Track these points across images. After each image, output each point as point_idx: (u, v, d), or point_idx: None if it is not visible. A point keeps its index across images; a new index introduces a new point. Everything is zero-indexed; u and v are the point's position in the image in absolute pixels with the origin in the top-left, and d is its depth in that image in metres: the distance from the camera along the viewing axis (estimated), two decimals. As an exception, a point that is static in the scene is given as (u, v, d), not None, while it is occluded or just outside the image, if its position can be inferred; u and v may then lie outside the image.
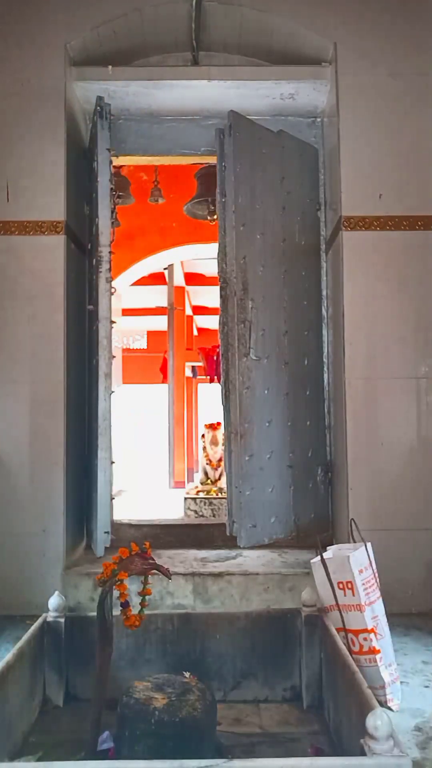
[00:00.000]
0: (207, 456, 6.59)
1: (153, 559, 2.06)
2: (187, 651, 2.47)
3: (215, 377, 8.50)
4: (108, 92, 3.68)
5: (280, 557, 3.57)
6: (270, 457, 3.55)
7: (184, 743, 1.80)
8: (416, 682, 2.45)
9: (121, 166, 4.53)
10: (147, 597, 2.12)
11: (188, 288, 11.26)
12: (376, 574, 2.38)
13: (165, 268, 9.55)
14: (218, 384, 3.94)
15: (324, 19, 3.62)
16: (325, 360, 3.90)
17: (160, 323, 11.48)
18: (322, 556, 2.41)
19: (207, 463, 6.57)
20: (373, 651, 2.22)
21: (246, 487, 3.42)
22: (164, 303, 10.46)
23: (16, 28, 3.56)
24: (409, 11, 3.58)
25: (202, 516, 5.77)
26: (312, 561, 2.49)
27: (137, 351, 15.07)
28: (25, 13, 3.57)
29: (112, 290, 3.59)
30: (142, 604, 2.11)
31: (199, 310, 13.36)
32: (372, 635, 2.23)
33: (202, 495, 6.00)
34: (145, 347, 15.17)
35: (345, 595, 2.31)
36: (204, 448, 6.65)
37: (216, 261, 3.77)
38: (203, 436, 6.72)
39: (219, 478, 6.29)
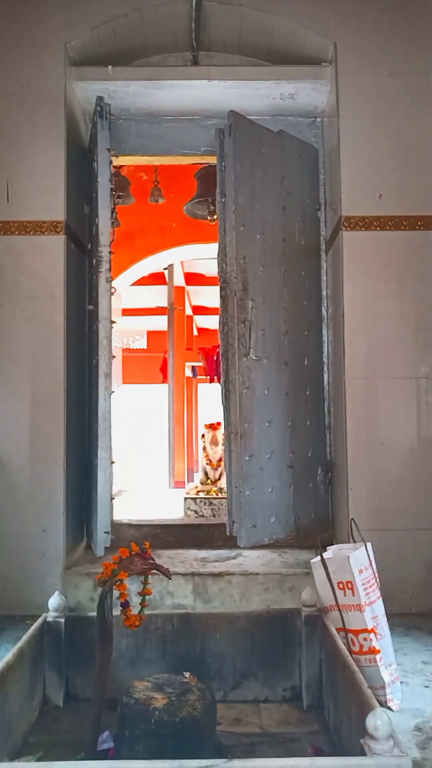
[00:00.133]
0: (207, 456, 6.59)
1: (153, 559, 2.06)
2: (187, 651, 2.47)
3: (215, 377, 8.50)
4: (108, 92, 3.68)
5: (280, 557, 3.57)
6: (270, 457, 3.55)
7: (184, 743, 1.80)
8: (416, 682, 2.45)
9: (121, 166, 4.53)
10: (147, 597, 2.12)
11: (188, 288, 11.25)
12: (376, 574, 2.38)
13: (165, 268, 9.55)
14: (218, 384, 3.93)
15: (324, 19, 3.62)
16: (325, 360, 3.90)
17: (160, 323, 11.48)
18: (322, 556, 2.41)
19: (207, 463, 6.56)
20: (373, 651, 2.22)
21: (246, 487, 3.42)
22: (164, 303, 10.46)
23: (15, 27, 3.56)
24: (409, 11, 3.58)
25: (202, 516, 5.77)
26: (312, 561, 2.49)
27: (137, 351, 15.07)
28: (25, 13, 3.57)
29: (112, 290, 3.59)
30: (142, 604, 2.11)
31: (199, 310, 13.36)
32: (372, 635, 2.23)
33: (202, 495, 5.99)
34: (145, 347, 15.17)
35: (345, 595, 2.31)
36: (204, 448, 6.64)
37: (216, 261, 3.77)
38: (203, 436, 6.72)
39: (219, 478, 6.29)
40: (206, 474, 6.51)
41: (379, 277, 3.47)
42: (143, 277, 8.19)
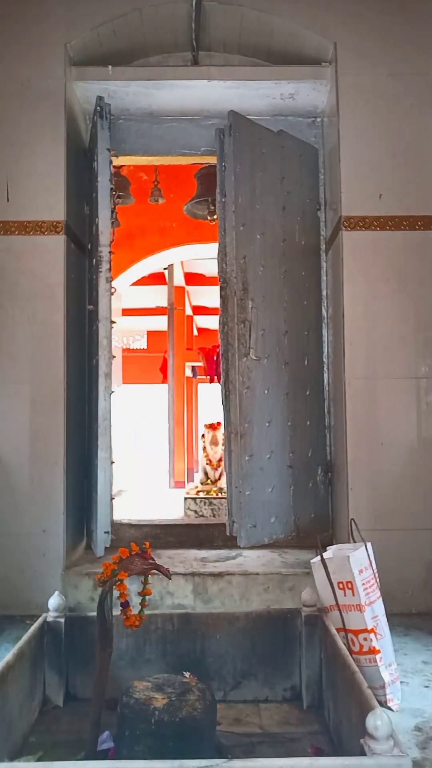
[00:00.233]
0: (207, 456, 6.58)
1: (153, 559, 2.06)
2: (187, 651, 2.47)
3: (215, 377, 8.50)
4: (108, 92, 3.68)
5: (280, 557, 3.57)
6: (270, 457, 3.55)
7: (184, 743, 1.80)
8: (416, 682, 2.45)
9: (121, 166, 4.53)
10: (147, 597, 2.12)
11: (188, 288, 11.25)
12: (376, 574, 2.38)
13: (165, 268, 9.55)
14: (218, 384, 3.93)
15: (324, 19, 3.62)
16: (325, 360, 3.90)
17: (160, 323, 11.48)
18: (322, 556, 2.41)
19: (207, 463, 6.55)
20: (373, 651, 2.22)
21: (246, 487, 3.42)
22: (164, 303, 10.46)
23: (15, 27, 3.56)
24: (409, 11, 3.59)
25: (202, 516, 5.77)
26: (312, 561, 2.49)
27: (137, 351, 15.07)
28: (25, 13, 3.57)
29: (112, 290, 3.59)
30: (142, 604, 2.11)
31: (199, 310, 13.36)
32: (372, 635, 2.23)
33: (202, 495, 5.98)
34: (145, 347, 15.17)
35: (345, 595, 2.31)
36: (204, 448, 6.64)
37: (216, 261, 3.77)
38: (203, 436, 6.71)
39: (219, 478, 6.28)
40: (206, 474, 6.50)
41: (379, 277, 3.47)
42: (143, 277, 8.19)
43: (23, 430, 3.43)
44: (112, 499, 3.60)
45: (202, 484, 6.43)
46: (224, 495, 4.47)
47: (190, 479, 10.24)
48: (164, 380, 10.82)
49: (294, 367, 3.73)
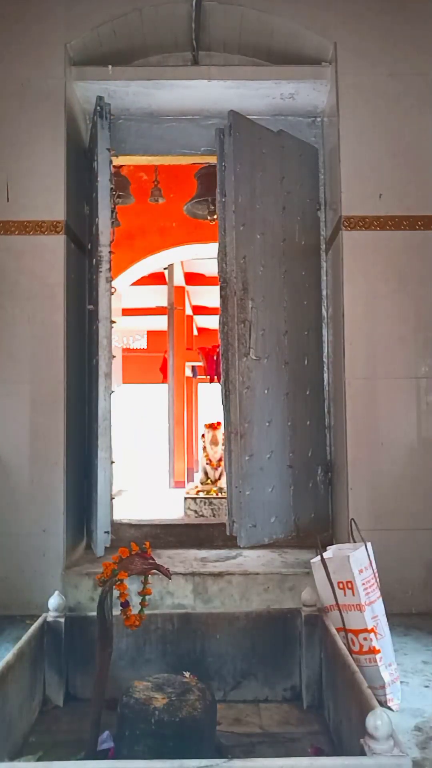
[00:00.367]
0: (207, 456, 6.58)
1: (153, 559, 2.06)
2: (187, 651, 2.47)
3: (215, 377, 8.50)
4: (108, 92, 3.68)
5: (280, 557, 3.57)
6: (270, 457, 3.55)
7: (184, 743, 1.80)
8: (416, 682, 2.45)
9: (121, 166, 4.53)
10: (147, 597, 2.12)
11: (188, 288, 11.25)
12: (376, 574, 2.38)
13: (165, 268, 9.55)
14: (218, 384, 3.93)
15: (324, 19, 3.61)
16: (325, 360, 3.90)
17: (160, 323, 11.48)
18: (322, 556, 2.41)
19: (207, 463, 6.56)
20: (373, 651, 2.22)
21: (246, 487, 3.42)
22: (164, 303, 10.46)
23: (15, 27, 3.56)
24: (409, 11, 3.58)
25: (202, 516, 5.77)
26: (312, 561, 2.49)
27: (137, 351, 15.07)
28: (25, 13, 3.57)
29: (112, 290, 3.59)
30: (142, 604, 2.11)
31: (199, 310, 13.36)
32: (372, 635, 2.23)
33: (202, 495, 5.99)
34: (145, 347, 15.17)
35: (345, 595, 2.31)
36: (204, 448, 6.64)
37: (216, 261, 3.77)
38: (203, 436, 6.72)
39: (219, 478, 6.28)
40: (206, 474, 6.51)
41: (379, 277, 3.47)
42: (143, 277, 8.19)
43: (23, 430, 3.43)
44: (112, 499, 3.60)
45: (202, 484, 6.43)
46: (224, 495, 4.47)
47: (190, 479, 10.25)
48: (164, 380, 10.82)
49: (294, 367, 3.73)
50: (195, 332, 14.45)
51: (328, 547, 2.53)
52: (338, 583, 2.34)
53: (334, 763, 1.56)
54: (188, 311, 12.08)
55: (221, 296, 3.65)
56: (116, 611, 2.04)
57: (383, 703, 2.15)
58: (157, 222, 7.12)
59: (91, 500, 3.57)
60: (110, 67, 3.65)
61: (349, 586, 2.29)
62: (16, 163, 3.51)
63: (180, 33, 3.83)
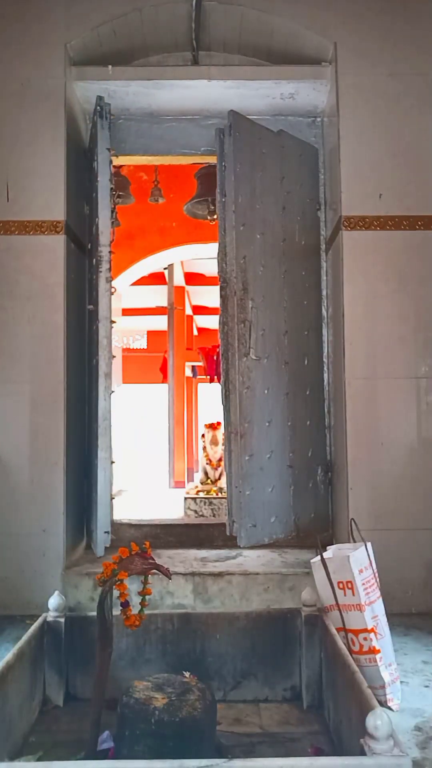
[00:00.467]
0: (207, 456, 6.58)
1: (153, 559, 2.06)
2: (187, 651, 2.47)
3: (215, 377, 8.50)
4: (108, 92, 3.68)
5: (280, 557, 3.57)
6: (270, 457, 3.55)
7: (184, 743, 1.80)
8: (416, 682, 2.45)
9: (121, 166, 4.53)
10: (147, 597, 2.12)
11: (188, 288, 11.25)
12: (376, 574, 2.38)
13: (165, 268, 9.55)
14: (218, 384, 3.93)
15: (324, 19, 3.62)
16: (325, 360, 3.90)
17: (160, 323, 11.48)
18: (322, 556, 2.41)
19: (207, 463, 6.56)
20: (373, 651, 2.22)
21: (246, 487, 3.42)
22: (164, 303, 10.46)
23: (15, 27, 3.56)
24: (409, 11, 3.58)
25: (202, 516, 5.77)
26: (312, 561, 2.49)
27: (137, 351, 15.07)
28: (25, 13, 3.57)
29: (112, 290, 3.59)
30: (142, 604, 2.11)
31: (199, 310, 13.36)
32: (372, 635, 2.23)
33: (202, 495, 5.99)
34: (145, 347, 15.17)
35: (345, 595, 2.31)
36: (204, 448, 6.64)
37: (216, 261, 3.77)
38: (203, 436, 6.71)
39: (219, 478, 6.28)
40: (206, 474, 6.51)
41: (379, 277, 3.47)
42: (143, 277, 8.19)
43: (23, 430, 3.43)
44: (112, 499, 3.60)
45: (202, 484, 6.43)
46: (224, 495, 4.47)
47: (190, 479, 10.24)
48: (164, 380, 10.82)
49: (294, 367, 3.73)
50: (195, 332, 14.44)
51: (328, 547, 2.53)
52: (338, 583, 2.34)
53: (334, 763, 1.56)
54: (188, 311, 12.07)
55: (221, 296, 3.65)
56: (116, 611, 2.04)
57: (383, 703, 2.15)
58: (157, 222, 7.11)
59: (91, 500, 3.57)
60: (110, 67, 3.65)
61: (349, 586, 2.29)
62: (17, 163, 3.51)
63: (180, 33, 3.83)
